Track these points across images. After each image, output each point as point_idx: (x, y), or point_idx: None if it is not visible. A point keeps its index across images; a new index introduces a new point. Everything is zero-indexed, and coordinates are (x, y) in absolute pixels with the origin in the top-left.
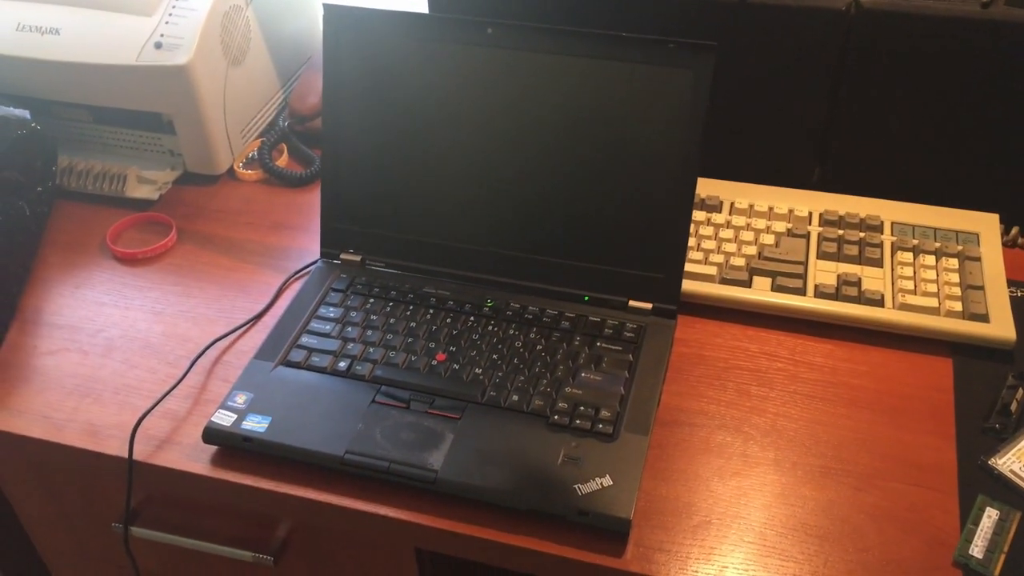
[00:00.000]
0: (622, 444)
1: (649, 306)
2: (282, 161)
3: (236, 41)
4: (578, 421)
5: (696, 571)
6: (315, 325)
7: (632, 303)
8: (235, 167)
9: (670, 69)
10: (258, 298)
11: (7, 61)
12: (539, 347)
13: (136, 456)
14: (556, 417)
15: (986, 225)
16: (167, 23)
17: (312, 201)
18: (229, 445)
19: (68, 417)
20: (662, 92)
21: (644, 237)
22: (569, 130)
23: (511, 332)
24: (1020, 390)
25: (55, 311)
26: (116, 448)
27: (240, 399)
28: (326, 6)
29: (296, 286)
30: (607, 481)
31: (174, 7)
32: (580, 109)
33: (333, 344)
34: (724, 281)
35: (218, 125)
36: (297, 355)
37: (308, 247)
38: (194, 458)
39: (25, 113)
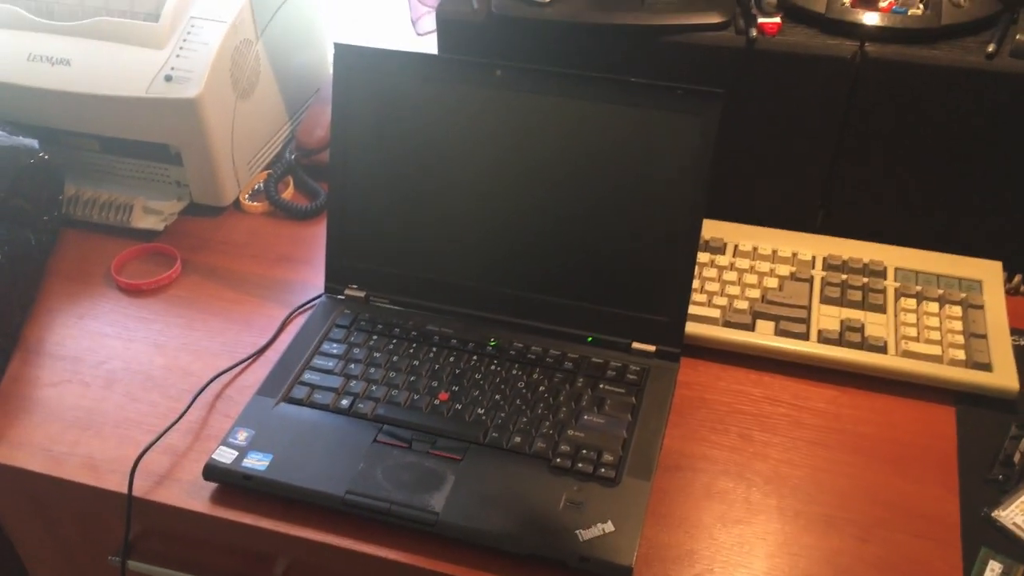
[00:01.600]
0: (624, 489)
1: (653, 348)
2: (288, 194)
3: (245, 75)
4: (580, 464)
5: None
6: (318, 362)
7: (636, 345)
8: (241, 199)
9: (678, 115)
10: (261, 332)
11: (17, 91)
12: (542, 388)
13: (136, 492)
14: (558, 460)
15: (989, 272)
16: (178, 56)
17: (317, 234)
18: (229, 483)
19: (68, 451)
20: (669, 137)
21: (649, 279)
22: (575, 172)
23: (514, 372)
24: (1023, 441)
25: (58, 342)
26: (116, 483)
27: (241, 436)
28: (337, 45)
29: (300, 320)
30: (609, 527)
31: (185, 41)
32: (587, 151)
33: (336, 381)
34: (727, 324)
35: (225, 157)
36: (299, 392)
37: (312, 281)
38: (194, 495)
39: (33, 142)
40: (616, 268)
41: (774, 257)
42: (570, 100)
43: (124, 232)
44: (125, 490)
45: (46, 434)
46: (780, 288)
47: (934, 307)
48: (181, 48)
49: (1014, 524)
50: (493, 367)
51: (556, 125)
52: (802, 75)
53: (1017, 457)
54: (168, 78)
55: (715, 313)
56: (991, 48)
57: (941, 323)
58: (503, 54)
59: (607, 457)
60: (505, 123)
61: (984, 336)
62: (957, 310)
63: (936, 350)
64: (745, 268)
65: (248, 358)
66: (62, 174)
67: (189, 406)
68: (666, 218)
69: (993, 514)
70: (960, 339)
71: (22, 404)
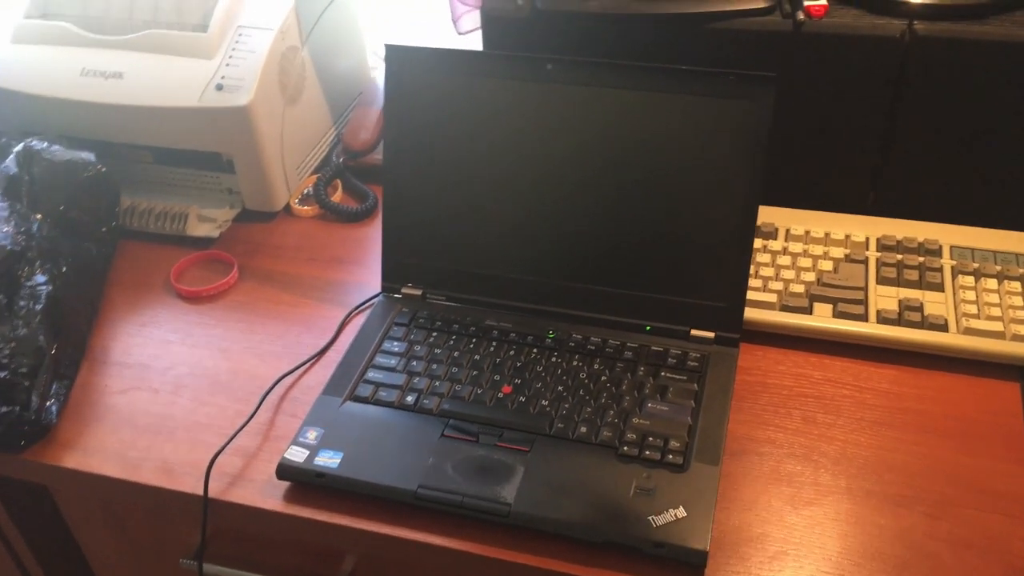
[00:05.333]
0: (693, 475)
1: (712, 335)
2: (337, 197)
3: (292, 81)
4: (648, 452)
5: None
6: (380, 360)
7: (695, 332)
8: (292, 203)
9: (731, 100)
10: (321, 333)
11: (72, 105)
12: (603, 378)
13: (211, 493)
14: (625, 448)
15: None
16: (227, 65)
17: (368, 235)
18: (302, 481)
19: (143, 455)
20: (723, 123)
21: (705, 266)
22: (629, 162)
23: (575, 363)
24: None
25: (124, 350)
26: (191, 486)
27: (311, 435)
28: (388, 46)
29: (358, 321)
30: (681, 512)
31: (234, 50)
32: (639, 141)
33: (399, 378)
34: (784, 308)
35: (276, 163)
36: (364, 390)
37: (367, 281)
38: (268, 494)
39: (90, 155)
40: (672, 256)
41: (827, 240)
42: (621, 91)
43: (180, 240)
44: (200, 492)
45: (120, 440)
46: (835, 270)
47: (993, 283)
48: (231, 57)
49: None
50: (554, 359)
51: (608, 116)
52: (851, 56)
53: None
54: (219, 87)
55: (772, 298)
56: None
57: (1001, 299)
58: (548, 49)
59: (674, 444)
60: (557, 116)
61: None
62: (1016, 285)
63: (998, 326)
64: (799, 252)
65: (310, 359)
66: (118, 186)
67: (257, 408)
68: (721, 204)
69: None
70: (1022, 314)
71: (93, 412)
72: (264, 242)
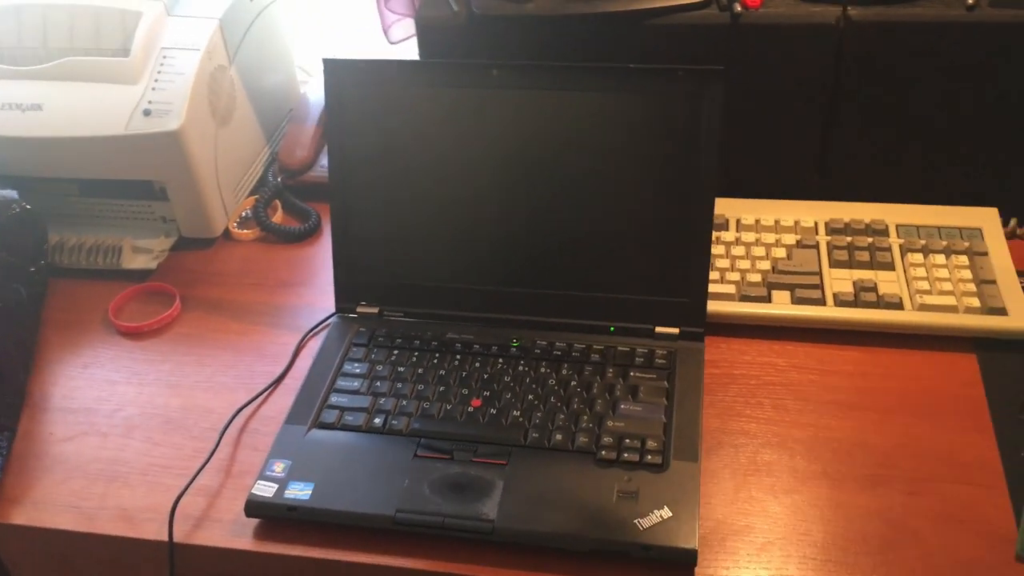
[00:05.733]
0: (674, 473)
1: (676, 331)
2: (278, 218)
3: (223, 101)
4: (626, 454)
5: None
6: (342, 383)
7: (659, 329)
8: (230, 228)
9: (681, 96)
10: (275, 360)
11: None
12: (573, 383)
13: (176, 538)
14: (603, 452)
15: (987, 219)
16: (154, 89)
17: (313, 255)
18: (273, 516)
19: (98, 505)
20: (674, 119)
21: (665, 263)
22: (581, 164)
23: (543, 370)
24: None
25: (66, 394)
26: (154, 532)
27: (278, 467)
28: (326, 60)
29: (313, 344)
30: (666, 513)
31: (160, 73)
32: (591, 142)
33: (364, 401)
34: (744, 298)
35: (211, 187)
36: (329, 416)
37: (317, 303)
38: (237, 533)
39: (12, 193)
40: (631, 255)
41: (777, 227)
42: (570, 93)
43: (115, 275)
44: (165, 538)
45: (71, 490)
46: (789, 257)
47: (941, 259)
48: (156, 81)
49: None
50: (521, 368)
51: (557, 119)
52: (788, 45)
53: None
54: (147, 112)
55: (730, 289)
56: (971, 0)
57: (951, 273)
58: (486, 54)
59: (651, 444)
60: (505, 122)
61: (994, 281)
62: (964, 259)
63: (951, 300)
64: (751, 241)
65: (267, 388)
66: (45, 222)
67: (217, 444)
68: (677, 200)
69: None
70: (972, 287)
71: (39, 462)
72: (205, 270)
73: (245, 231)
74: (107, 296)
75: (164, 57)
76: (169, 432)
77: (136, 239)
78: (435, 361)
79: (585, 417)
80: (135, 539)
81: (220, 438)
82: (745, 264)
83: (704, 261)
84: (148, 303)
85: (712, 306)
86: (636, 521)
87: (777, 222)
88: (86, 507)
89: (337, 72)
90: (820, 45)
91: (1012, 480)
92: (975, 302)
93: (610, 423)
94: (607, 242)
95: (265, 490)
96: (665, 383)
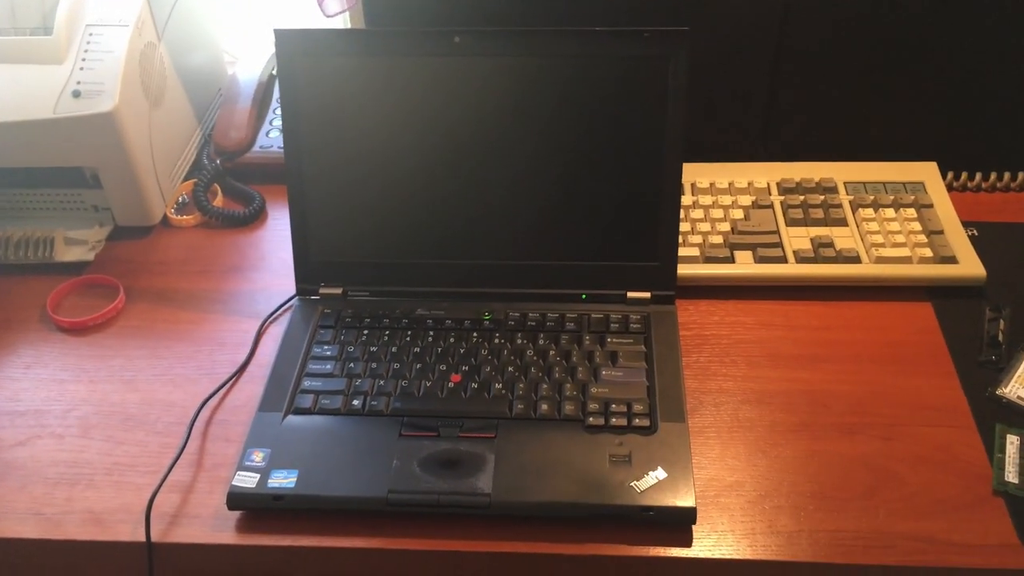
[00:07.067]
0: (663, 434)
1: (648, 295)
2: (218, 202)
3: (155, 81)
4: (614, 419)
5: (767, 546)
6: (313, 366)
7: (631, 294)
8: (168, 214)
9: (646, 58)
10: (236, 348)
11: None
12: (552, 352)
13: (153, 537)
14: (591, 419)
15: (928, 173)
16: (82, 69)
17: (260, 239)
18: (257, 507)
19: (63, 510)
20: (639, 82)
21: (635, 227)
22: (547, 130)
23: (519, 342)
24: (1000, 321)
25: (11, 397)
26: (128, 533)
27: (258, 456)
28: (277, 31)
29: (274, 330)
30: (660, 473)
31: (87, 51)
32: (557, 108)
33: (340, 383)
34: (708, 260)
35: (148, 172)
36: (304, 400)
37: (273, 286)
38: (218, 527)
39: None
40: (601, 221)
41: (731, 189)
42: (534, 58)
43: (50, 269)
44: (140, 538)
45: (31, 497)
46: (747, 218)
47: (890, 212)
48: (83, 60)
49: (1018, 397)
50: (496, 340)
51: (522, 85)
52: (732, 7)
53: (1000, 336)
54: (76, 94)
55: (694, 252)
56: None
57: (901, 226)
58: (435, 22)
59: (637, 407)
60: (468, 90)
61: (942, 232)
62: (912, 212)
63: (905, 252)
64: (708, 204)
65: (231, 377)
66: None
67: (187, 438)
68: (645, 163)
69: (997, 392)
70: (923, 238)
71: None
72: (146, 259)
73: (185, 217)
74: (43, 292)
75: (90, 35)
76: (131, 429)
77: (68, 230)
78: (408, 339)
79: (568, 385)
80: (108, 542)
81: (189, 431)
82: (705, 227)
83: (674, 224)
84: (88, 297)
85: (679, 269)
86: (632, 484)
87: (731, 184)
88: (50, 513)
89: (289, 43)
90: (764, 7)
91: (980, 420)
92: (927, 252)
93: (594, 390)
94: (575, 209)
95: (247, 481)
96: (643, 347)
